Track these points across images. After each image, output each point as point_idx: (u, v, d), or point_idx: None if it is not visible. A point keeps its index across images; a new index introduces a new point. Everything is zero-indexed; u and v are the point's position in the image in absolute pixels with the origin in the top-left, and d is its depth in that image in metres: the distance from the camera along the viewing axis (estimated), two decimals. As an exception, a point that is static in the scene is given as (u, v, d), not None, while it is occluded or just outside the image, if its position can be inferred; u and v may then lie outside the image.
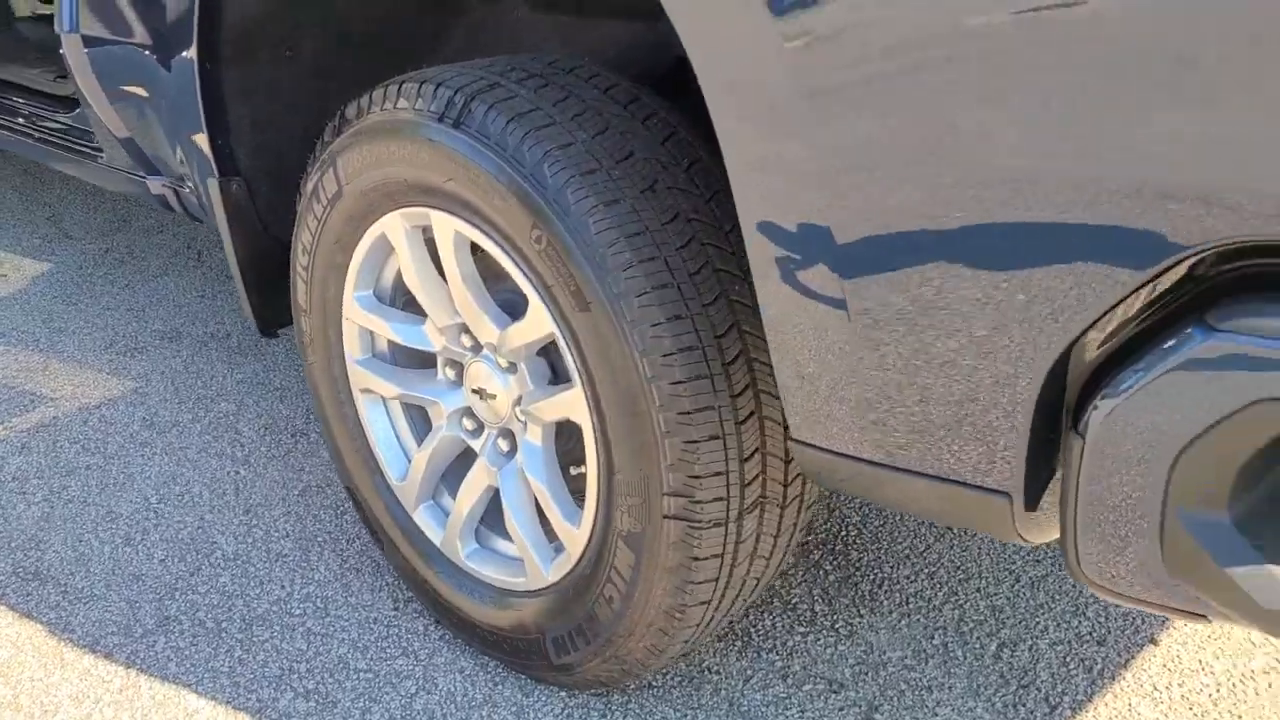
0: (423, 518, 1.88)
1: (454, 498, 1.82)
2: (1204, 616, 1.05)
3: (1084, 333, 1.02)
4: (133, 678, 1.87)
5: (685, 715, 1.76)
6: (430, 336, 1.76)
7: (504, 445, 1.74)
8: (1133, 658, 1.87)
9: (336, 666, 1.87)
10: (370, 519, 1.97)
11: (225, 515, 2.27)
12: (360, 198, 1.69)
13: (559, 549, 1.67)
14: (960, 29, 0.98)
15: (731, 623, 1.95)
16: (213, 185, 2.00)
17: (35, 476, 2.41)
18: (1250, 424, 0.92)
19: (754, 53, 1.12)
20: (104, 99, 2.24)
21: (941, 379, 1.12)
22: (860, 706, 1.79)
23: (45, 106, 2.68)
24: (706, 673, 1.85)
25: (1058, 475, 1.16)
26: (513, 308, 1.61)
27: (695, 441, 1.41)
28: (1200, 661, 1.84)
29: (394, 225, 1.68)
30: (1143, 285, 0.97)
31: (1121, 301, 0.98)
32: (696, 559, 1.47)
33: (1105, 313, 1.00)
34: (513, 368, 1.66)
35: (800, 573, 2.08)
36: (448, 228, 1.59)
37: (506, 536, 1.79)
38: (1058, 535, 1.15)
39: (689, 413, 1.40)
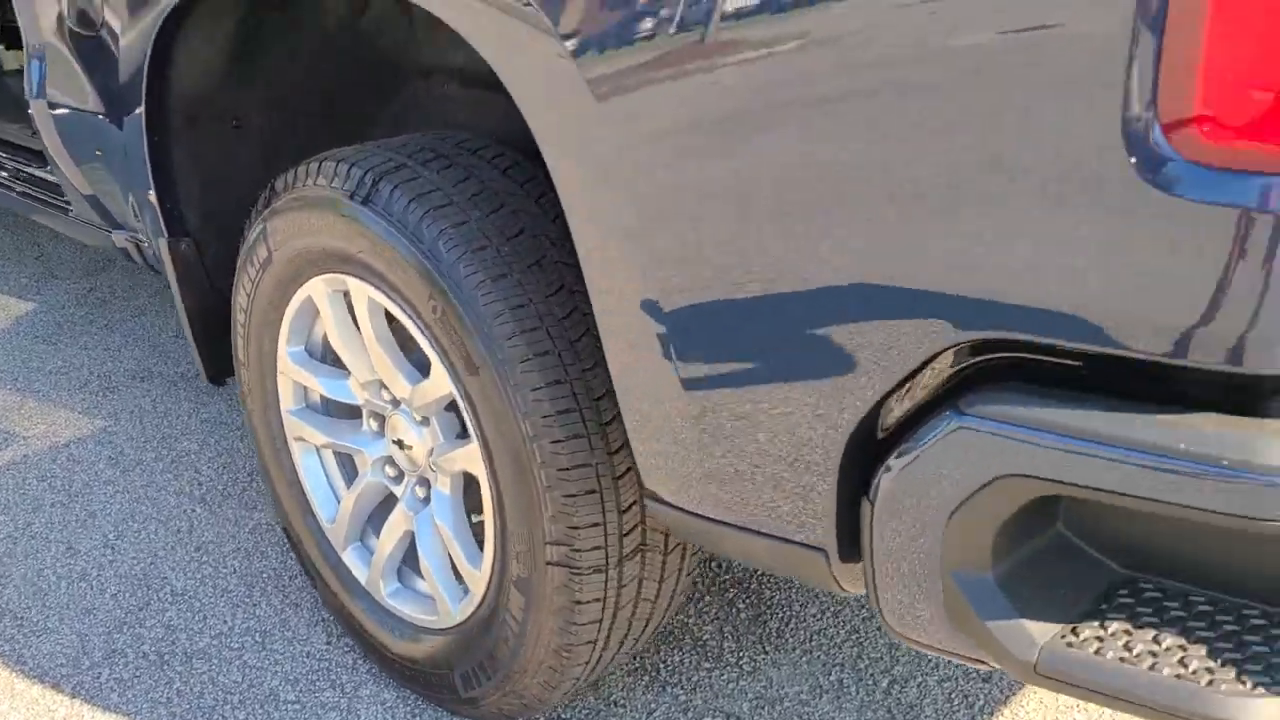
0: (350, 557, 2.02)
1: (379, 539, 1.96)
2: (986, 664, 1.17)
3: (876, 407, 1.15)
4: (77, 707, 2.00)
5: (589, 746, 1.89)
6: (354, 391, 1.90)
7: (421, 492, 1.87)
8: (1013, 694, 1.99)
9: (267, 699, 2.00)
10: (304, 558, 2.10)
11: (178, 552, 2.40)
12: (288, 264, 1.83)
13: (466, 590, 1.81)
14: (752, 145, 1.12)
15: (642, 657, 2.07)
16: (163, 244, 2.15)
17: (2, 513, 2.55)
18: (997, 497, 1.06)
19: (581, 138, 1.27)
20: (68, 159, 2.40)
21: (761, 443, 1.26)
22: (753, 739, 1.91)
23: (25, 161, 2.83)
24: (613, 706, 1.97)
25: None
26: (425, 367, 1.75)
27: (573, 495, 1.54)
28: (1074, 701, 1.96)
29: (318, 289, 1.82)
30: (916, 371, 1.10)
31: (901, 384, 1.12)
32: (579, 602, 1.60)
33: (889, 392, 1.13)
34: (426, 421, 1.80)
35: (714, 610, 2.20)
36: (362, 294, 1.74)
37: (423, 577, 1.92)
38: (873, 588, 1.28)
39: (567, 469, 1.53)
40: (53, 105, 2.31)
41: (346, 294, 1.80)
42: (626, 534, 1.60)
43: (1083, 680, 1.09)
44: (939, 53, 0.98)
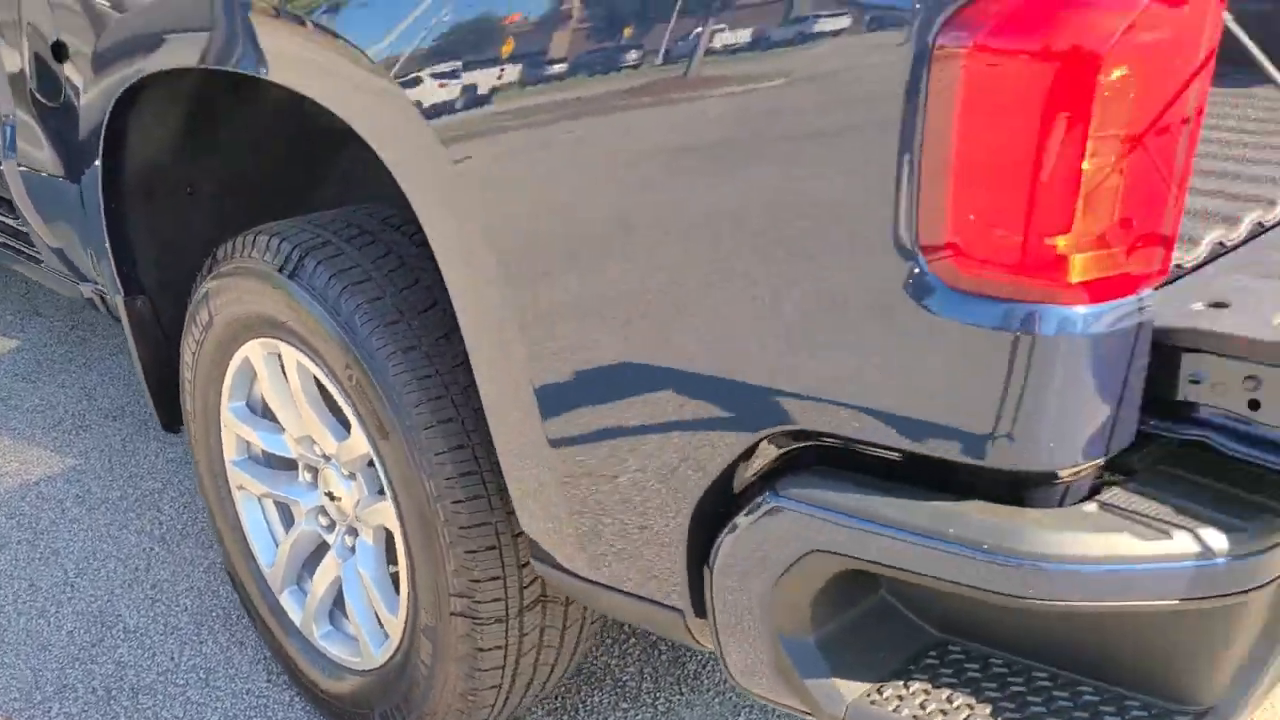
0: (287, 600, 2.14)
1: (313, 584, 2.09)
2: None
3: (717, 483, 1.29)
4: (27, 738, 2.13)
5: (504, 781, 2.01)
6: (289, 445, 2.03)
7: (349, 541, 2.00)
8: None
9: (206, 732, 2.13)
10: (246, 599, 2.23)
11: (134, 590, 2.53)
12: (227, 327, 1.97)
13: (386, 636, 1.93)
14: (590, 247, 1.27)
15: (563, 697, 2.20)
16: (119, 302, 2.29)
17: (-29, 550, 2.69)
18: (810, 568, 1.18)
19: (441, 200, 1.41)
20: (36, 215, 2.54)
21: (620, 508, 1.39)
22: (660, 777, 2.03)
23: (3, 212, 2.98)
24: (531, 744, 2.10)
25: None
26: (350, 426, 1.88)
27: (474, 551, 1.67)
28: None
29: (255, 351, 1.96)
30: (749, 452, 1.24)
31: (735, 463, 1.25)
32: (481, 650, 1.73)
33: (726, 470, 1.26)
34: (353, 476, 1.93)
35: (637, 652, 2.33)
36: (292, 358, 1.87)
37: (350, 620, 2.05)
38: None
39: (468, 527, 1.66)
40: (21, 165, 2.46)
41: (280, 356, 1.94)
42: (526, 586, 1.73)
43: (881, 735, 1.22)
44: (744, 179, 1.12)
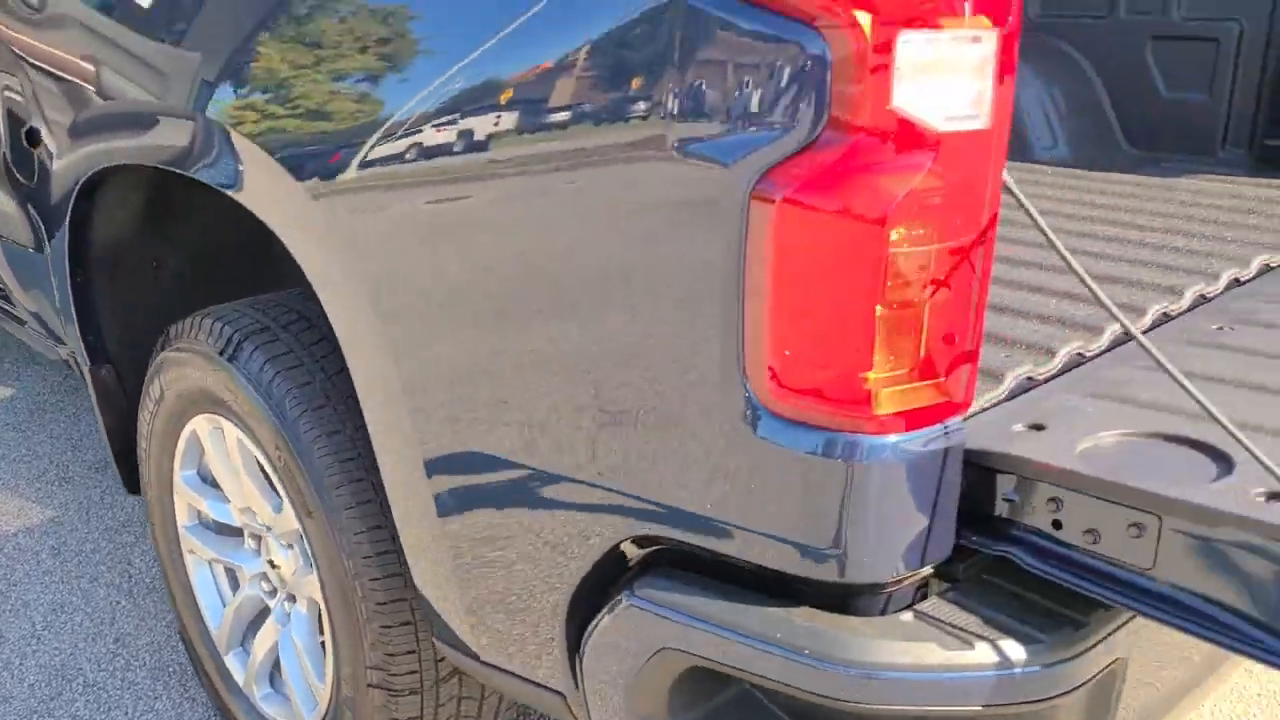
0: (232, 661, 2.24)
1: (257, 646, 2.18)
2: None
3: (587, 578, 1.38)
4: (-19, 790, 2.23)
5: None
6: (234, 514, 2.13)
7: (288, 608, 2.10)
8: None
9: (151, 787, 2.22)
10: (195, 658, 2.33)
11: (97, 644, 2.63)
12: (177, 400, 2.08)
13: (316, 702, 2.02)
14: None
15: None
16: (86, 370, 2.41)
17: (-55, 600, 2.80)
18: (661, 665, 1.27)
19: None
20: (14, 281, 2.67)
21: (504, 592, 1.48)
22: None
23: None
24: (460, 805, 2.17)
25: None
26: (286, 499, 1.98)
27: (389, 626, 1.76)
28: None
29: (201, 425, 2.07)
30: (608, 553, 1.33)
31: (600, 562, 1.34)
32: (397, 720, 1.82)
33: (594, 566, 1.35)
34: (290, 546, 2.03)
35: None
36: (232, 434, 1.98)
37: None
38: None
39: (384, 603, 1.76)
40: (1, 236, 2.59)
41: (223, 431, 2.04)
42: (441, 659, 1.81)
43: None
44: (597, 297, 1.22)
